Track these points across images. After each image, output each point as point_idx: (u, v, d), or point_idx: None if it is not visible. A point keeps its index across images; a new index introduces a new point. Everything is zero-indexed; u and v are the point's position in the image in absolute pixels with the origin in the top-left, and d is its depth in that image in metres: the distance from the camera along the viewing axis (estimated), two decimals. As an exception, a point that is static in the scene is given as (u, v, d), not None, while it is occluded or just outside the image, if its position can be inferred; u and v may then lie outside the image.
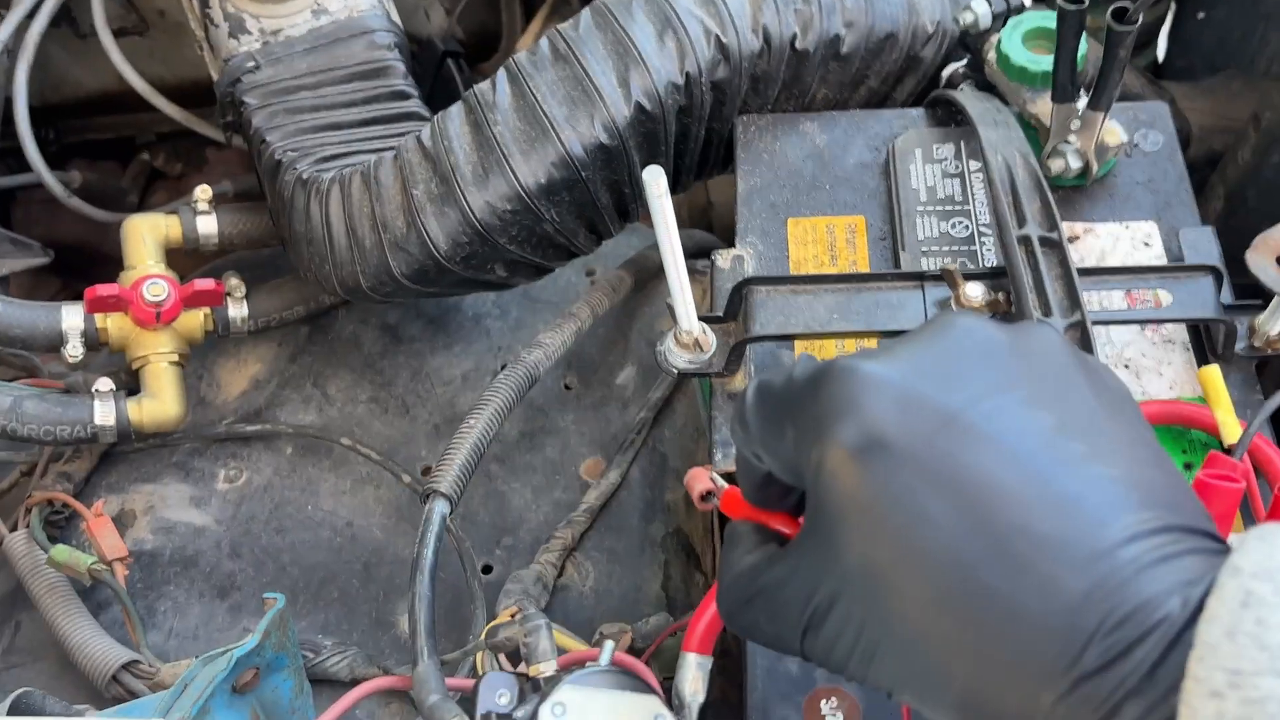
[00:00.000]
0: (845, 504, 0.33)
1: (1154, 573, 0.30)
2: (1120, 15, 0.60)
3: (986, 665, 0.31)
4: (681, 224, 1.05)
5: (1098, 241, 0.69)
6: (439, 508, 0.60)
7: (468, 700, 0.55)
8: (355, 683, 0.74)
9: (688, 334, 0.63)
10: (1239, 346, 0.62)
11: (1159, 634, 0.29)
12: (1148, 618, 0.29)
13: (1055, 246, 0.60)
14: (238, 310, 0.87)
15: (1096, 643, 0.29)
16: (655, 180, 0.53)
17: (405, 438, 0.86)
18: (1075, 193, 0.70)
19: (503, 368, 0.89)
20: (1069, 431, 0.33)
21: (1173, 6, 1.07)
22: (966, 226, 0.68)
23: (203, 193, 0.89)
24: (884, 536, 0.33)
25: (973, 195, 0.70)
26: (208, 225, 0.88)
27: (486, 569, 0.80)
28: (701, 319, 0.64)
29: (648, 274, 0.90)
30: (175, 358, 0.83)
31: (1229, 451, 0.56)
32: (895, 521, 0.32)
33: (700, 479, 0.48)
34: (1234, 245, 0.69)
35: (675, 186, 0.80)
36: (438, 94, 1.07)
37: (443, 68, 1.08)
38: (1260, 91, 0.94)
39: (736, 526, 0.42)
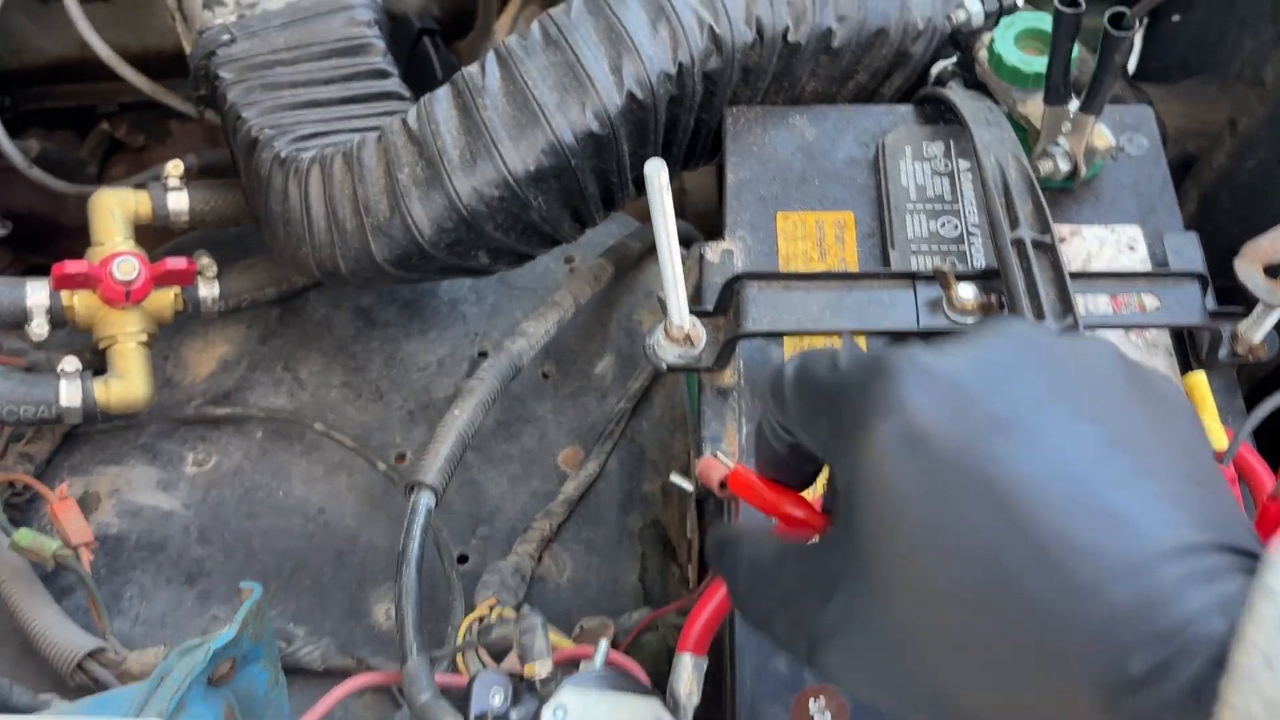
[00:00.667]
0: (882, 503, 0.33)
1: (1198, 589, 0.30)
2: (1117, 20, 0.60)
3: (1021, 674, 0.30)
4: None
5: (1083, 244, 0.69)
6: (424, 500, 0.59)
7: (453, 697, 0.54)
8: (328, 672, 0.73)
9: (679, 328, 0.62)
10: (1222, 353, 0.63)
11: (1202, 652, 0.29)
12: (1191, 634, 0.29)
13: (1048, 249, 0.60)
14: (208, 290, 0.85)
15: (1139, 656, 0.29)
16: (657, 174, 0.53)
17: (379, 424, 0.85)
18: (1061, 195, 0.71)
19: (480, 355, 0.88)
20: (1118, 446, 0.32)
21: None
22: (956, 226, 0.68)
23: (174, 168, 0.87)
24: (921, 538, 0.32)
25: (962, 195, 0.70)
26: (179, 202, 0.86)
27: (462, 559, 0.79)
28: (691, 313, 0.63)
29: (628, 263, 0.90)
30: (144, 337, 0.81)
31: (1217, 459, 0.57)
32: (934, 523, 0.32)
33: (715, 467, 0.47)
34: (1207, 249, 0.70)
35: (661, 176, 0.80)
36: (412, 72, 1.05)
37: (418, 46, 1.06)
38: (1235, 95, 0.95)
39: (755, 511, 0.41)
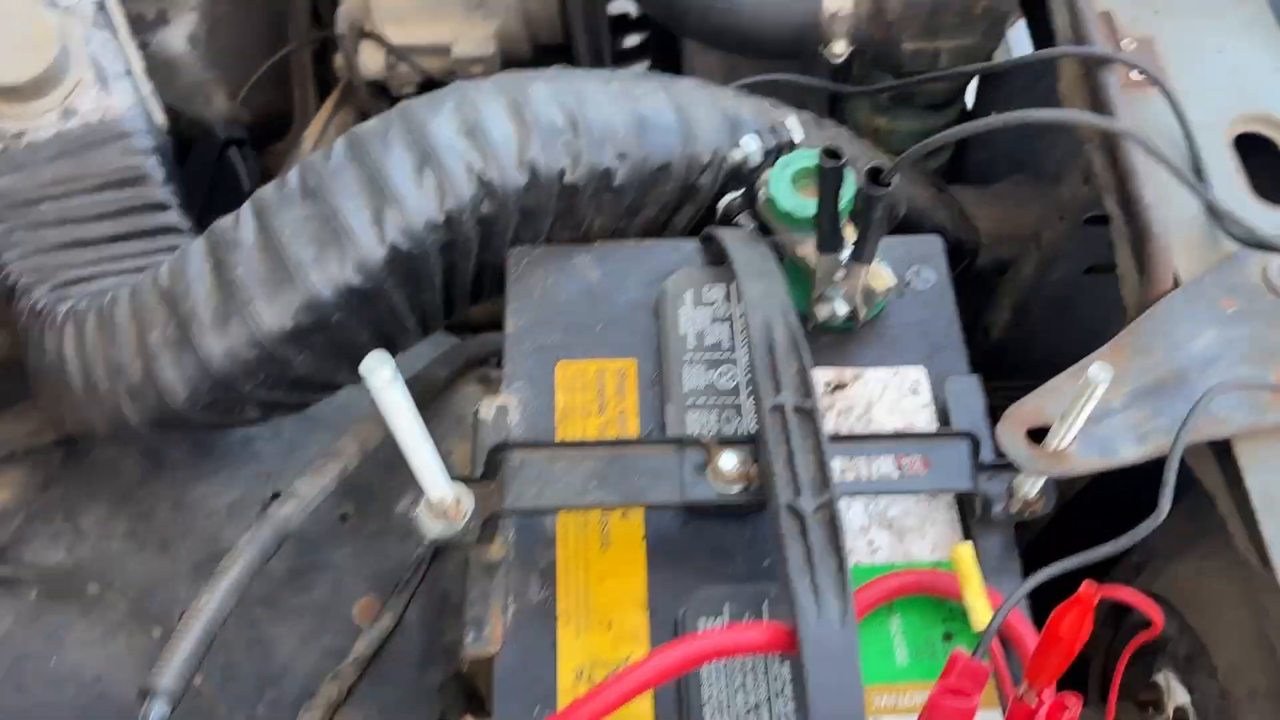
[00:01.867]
0: None
1: None
2: (875, 176, 0.59)
3: None
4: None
5: (865, 389, 0.67)
6: (156, 711, 0.55)
7: None
8: None
9: (439, 503, 0.59)
10: (997, 509, 0.61)
11: None
12: None
13: (808, 416, 0.58)
14: (-25, 440, 0.79)
15: None
16: (375, 371, 0.49)
17: (163, 578, 0.80)
18: (844, 336, 0.69)
19: (274, 496, 0.84)
20: None
21: (971, 104, 1.08)
22: (733, 376, 0.66)
23: (-64, 310, 0.81)
24: None
25: (739, 342, 0.68)
26: (-59, 346, 0.81)
27: (246, 727, 0.75)
28: (460, 479, 0.60)
29: (432, 392, 0.86)
30: (-101, 498, 0.76)
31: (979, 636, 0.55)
32: None
33: None
34: (1019, 356, 0.69)
35: (448, 315, 0.77)
36: (221, 185, 1.01)
37: (225, 156, 1.02)
38: (1046, 199, 0.95)
39: None
